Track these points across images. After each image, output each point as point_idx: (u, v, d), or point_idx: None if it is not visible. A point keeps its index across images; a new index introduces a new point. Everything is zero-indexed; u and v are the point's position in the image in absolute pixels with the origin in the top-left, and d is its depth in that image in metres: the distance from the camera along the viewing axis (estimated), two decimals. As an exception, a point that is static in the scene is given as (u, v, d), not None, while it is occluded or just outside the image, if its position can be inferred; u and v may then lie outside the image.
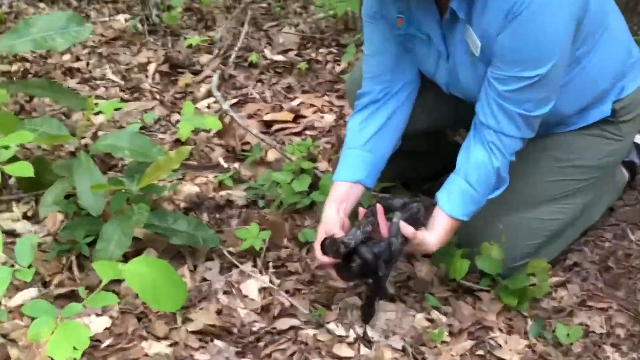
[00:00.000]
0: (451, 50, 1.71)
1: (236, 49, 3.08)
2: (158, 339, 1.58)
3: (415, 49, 1.78)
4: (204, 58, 3.04)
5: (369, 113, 1.83)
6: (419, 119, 1.92)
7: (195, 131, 2.51)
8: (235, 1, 3.47)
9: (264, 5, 3.49)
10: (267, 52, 3.09)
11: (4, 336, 1.52)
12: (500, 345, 1.69)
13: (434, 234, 1.66)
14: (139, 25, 3.22)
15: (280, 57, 3.04)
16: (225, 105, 2.65)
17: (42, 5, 3.39)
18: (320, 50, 3.11)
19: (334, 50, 3.11)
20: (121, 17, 3.32)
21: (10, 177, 2.00)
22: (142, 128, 2.54)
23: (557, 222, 1.86)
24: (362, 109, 1.85)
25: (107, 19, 3.33)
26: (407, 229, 1.57)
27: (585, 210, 1.97)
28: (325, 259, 1.62)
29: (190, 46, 3.08)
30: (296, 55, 3.07)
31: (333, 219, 1.67)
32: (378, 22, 1.78)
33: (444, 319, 1.76)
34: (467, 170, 1.67)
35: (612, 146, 1.87)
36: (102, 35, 3.16)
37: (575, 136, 1.85)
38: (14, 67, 2.91)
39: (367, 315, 1.70)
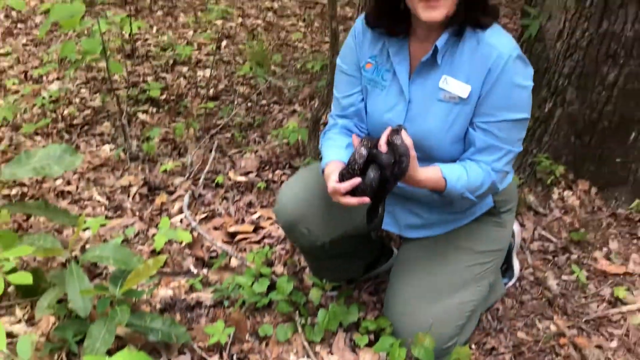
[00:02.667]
0: (413, 96, 1.70)
1: (205, 172, 3.08)
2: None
3: (373, 94, 1.77)
4: (177, 180, 3.02)
5: (339, 133, 1.85)
6: (330, 224, 1.88)
7: (169, 243, 2.51)
8: (204, 132, 3.48)
9: (228, 135, 3.49)
10: (231, 174, 3.08)
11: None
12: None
13: (423, 169, 1.61)
14: (122, 154, 3.22)
15: (242, 178, 3.04)
16: (194, 223, 2.63)
17: (38, 138, 3.38)
18: (276, 172, 3.09)
19: (287, 171, 3.08)
20: (107, 147, 3.31)
21: (9, 285, 1.93)
22: (123, 241, 2.53)
23: (473, 302, 1.87)
24: (332, 131, 1.87)
25: (94, 148, 3.33)
26: (408, 138, 1.52)
27: (492, 290, 2.01)
28: (345, 185, 1.53)
29: (165, 171, 3.09)
30: (256, 176, 3.07)
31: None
32: (350, 71, 1.80)
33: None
34: (469, 165, 1.66)
35: (499, 233, 1.92)
36: (89, 162, 3.16)
37: (474, 224, 1.89)
38: (14, 191, 2.90)
39: (373, 217, 1.63)
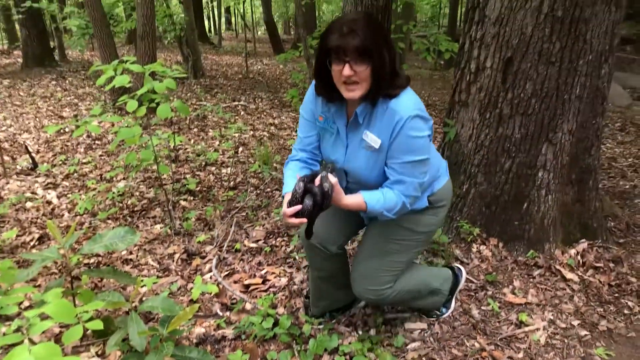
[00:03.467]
0: (350, 143, 1.69)
1: (227, 241, 3.01)
2: None
3: (325, 137, 1.77)
4: (208, 248, 2.96)
5: (297, 164, 1.84)
6: (337, 235, 1.95)
7: (202, 294, 2.46)
8: (226, 213, 3.44)
9: (244, 214, 3.43)
10: (246, 242, 3.01)
11: None
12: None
13: (348, 196, 1.63)
14: (169, 230, 3.18)
15: (254, 245, 2.96)
16: (220, 278, 2.58)
17: (109, 221, 3.36)
18: (278, 239, 3.03)
19: (285, 238, 3.03)
20: (158, 226, 3.28)
21: (87, 330, 1.94)
22: (169, 294, 2.46)
23: (403, 262, 1.88)
24: (293, 161, 1.86)
25: (149, 227, 3.29)
26: (332, 178, 1.53)
27: (436, 294, 2.04)
28: (291, 209, 1.52)
29: (199, 241, 3.04)
30: (263, 243, 3.00)
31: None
32: (309, 118, 1.78)
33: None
34: (386, 192, 1.66)
35: (432, 219, 1.88)
36: (145, 237, 3.14)
37: (417, 213, 1.85)
38: (91, 260, 2.89)
39: (309, 233, 1.65)
